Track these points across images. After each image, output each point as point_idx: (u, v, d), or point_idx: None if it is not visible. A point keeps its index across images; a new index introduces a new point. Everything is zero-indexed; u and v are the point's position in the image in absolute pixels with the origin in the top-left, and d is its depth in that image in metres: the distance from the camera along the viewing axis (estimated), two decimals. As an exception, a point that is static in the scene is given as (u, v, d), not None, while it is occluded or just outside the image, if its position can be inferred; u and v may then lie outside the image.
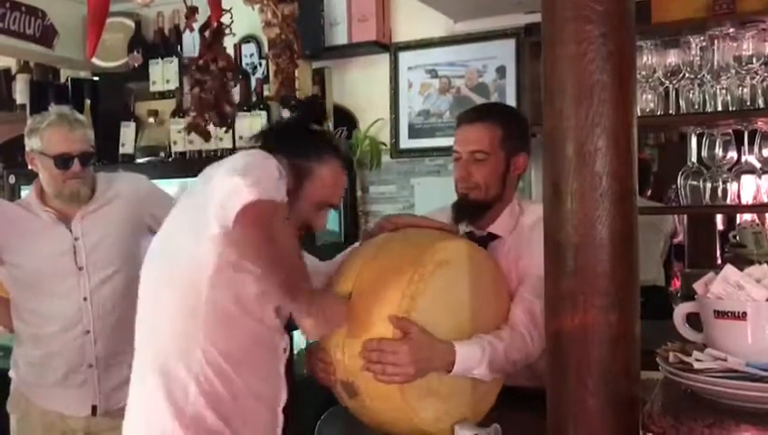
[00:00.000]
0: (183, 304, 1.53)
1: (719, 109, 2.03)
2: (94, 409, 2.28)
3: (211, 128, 2.77)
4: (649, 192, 3.87)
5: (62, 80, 3.83)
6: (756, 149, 2.09)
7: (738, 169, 2.10)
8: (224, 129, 2.88)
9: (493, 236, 1.90)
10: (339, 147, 1.74)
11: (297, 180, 1.61)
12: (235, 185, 1.40)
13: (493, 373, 1.62)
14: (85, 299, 2.24)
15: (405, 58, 3.28)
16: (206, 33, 2.70)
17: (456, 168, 1.93)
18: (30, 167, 2.32)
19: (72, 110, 2.43)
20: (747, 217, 3.53)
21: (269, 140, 1.68)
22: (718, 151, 2.08)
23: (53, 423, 2.28)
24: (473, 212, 1.90)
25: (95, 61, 3.63)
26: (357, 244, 1.91)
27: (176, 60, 3.45)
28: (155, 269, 1.63)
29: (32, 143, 2.28)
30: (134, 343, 1.63)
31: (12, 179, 3.56)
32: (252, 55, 3.49)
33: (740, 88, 2.01)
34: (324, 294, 1.58)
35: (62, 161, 2.22)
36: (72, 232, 2.26)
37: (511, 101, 3.06)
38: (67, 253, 2.25)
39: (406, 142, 3.28)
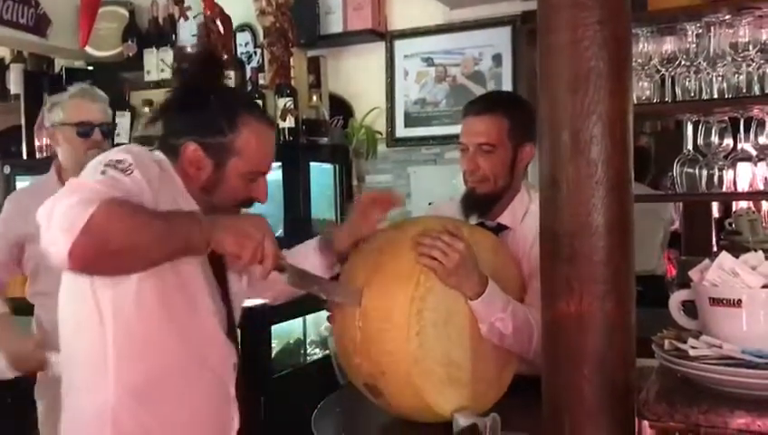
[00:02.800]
0: (86, 326, 1.41)
1: (715, 96, 2.02)
2: None
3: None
4: (648, 180, 3.88)
5: (57, 69, 3.81)
6: (752, 136, 2.08)
7: (734, 157, 2.10)
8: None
9: (503, 227, 1.91)
10: (249, 100, 1.59)
11: (217, 163, 1.47)
12: (47, 237, 1.23)
13: (514, 331, 1.62)
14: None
15: (401, 46, 3.27)
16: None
17: (462, 159, 1.92)
18: (48, 143, 2.39)
19: (92, 86, 2.51)
20: (743, 204, 3.54)
21: (171, 126, 1.52)
22: (714, 139, 2.07)
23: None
24: (482, 205, 1.90)
25: (89, 50, 3.61)
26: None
27: (170, 49, 3.44)
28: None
29: (53, 117, 2.33)
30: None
31: (7, 169, 3.55)
32: (247, 44, 3.48)
33: (736, 75, 2.00)
34: (216, 218, 1.38)
35: (84, 130, 2.28)
36: None
37: (507, 88, 3.06)
38: None
39: (402, 131, 3.28)
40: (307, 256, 1.75)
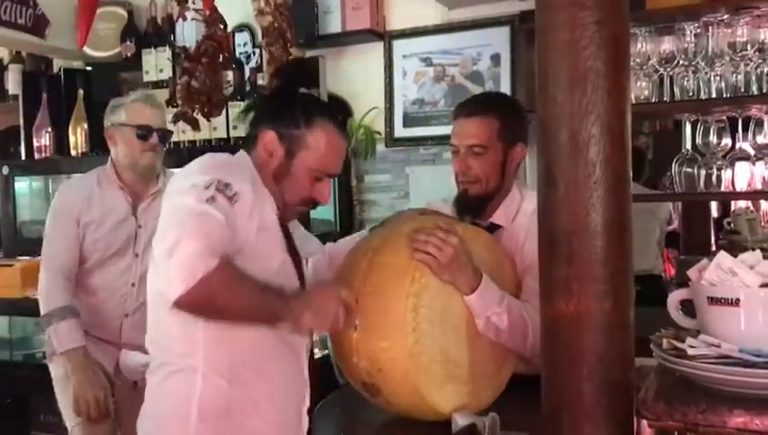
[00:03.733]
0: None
1: (713, 96, 2.02)
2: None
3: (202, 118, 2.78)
4: (643, 180, 3.88)
5: (55, 70, 3.81)
6: (750, 135, 2.08)
7: (732, 156, 2.10)
8: (214, 118, 2.87)
9: (495, 226, 1.92)
10: (331, 109, 1.69)
11: (288, 151, 1.59)
12: (166, 268, 1.39)
13: (510, 326, 1.64)
14: (133, 285, 2.37)
15: (399, 46, 3.27)
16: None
17: (454, 161, 1.93)
18: (108, 142, 2.45)
19: (153, 93, 2.70)
20: (742, 203, 3.54)
21: (255, 113, 1.66)
22: (713, 138, 2.07)
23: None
24: (474, 206, 1.91)
25: (88, 51, 3.61)
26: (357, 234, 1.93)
27: (169, 49, 3.44)
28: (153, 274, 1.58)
29: (114, 118, 2.43)
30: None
31: (5, 170, 3.55)
32: (245, 44, 3.48)
33: (734, 75, 2.00)
34: (300, 296, 1.53)
35: (143, 133, 2.38)
36: (138, 219, 2.41)
37: (506, 88, 3.05)
38: (131, 237, 2.39)
39: (400, 131, 3.28)
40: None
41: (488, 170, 1.88)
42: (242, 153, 1.65)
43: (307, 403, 1.68)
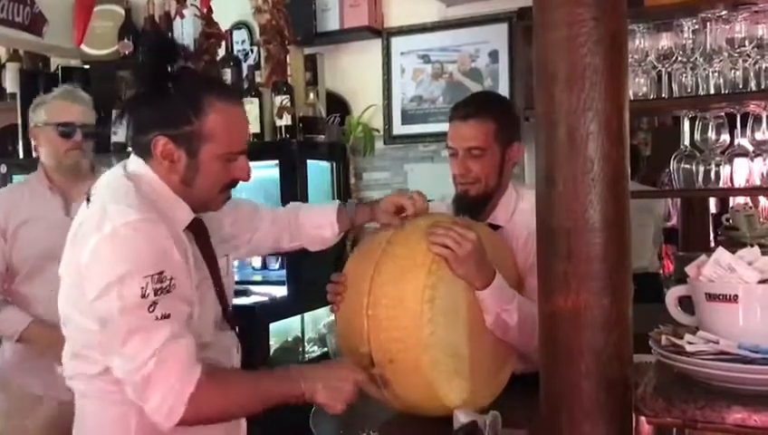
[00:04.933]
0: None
1: (712, 92, 2.03)
2: None
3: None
4: (639, 177, 3.88)
5: (53, 68, 3.80)
6: (749, 132, 2.09)
7: (731, 153, 2.10)
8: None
9: (494, 226, 1.93)
10: (212, 82, 1.53)
11: (189, 152, 1.44)
12: (137, 391, 1.36)
13: (519, 323, 1.64)
14: None
15: (397, 43, 3.26)
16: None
17: (452, 163, 1.95)
18: (33, 143, 2.40)
19: (76, 87, 2.55)
20: (740, 199, 3.54)
21: (135, 118, 1.49)
22: (711, 135, 2.08)
23: (34, 406, 2.29)
24: (474, 206, 1.92)
25: (85, 49, 3.61)
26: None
27: (166, 47, 3.43)
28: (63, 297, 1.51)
29: (36, 117, 2.35)
30: None
31: (3, 169, 3.54)
32: (243, 42, 3.47)
33: (732, 71, 2.01)
34: (312, 374, 1.51)
35: (65, 130, 2.29)
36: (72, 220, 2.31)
37: (504, 85, 3.05)
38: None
39: (399, 128, 3.27)
40: (324, 212, 1.82)
41: (487, 171, 1.90)
42: (132, 167, 1.50)
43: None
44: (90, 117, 2.39)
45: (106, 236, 1.36)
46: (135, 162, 1.50)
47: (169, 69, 1.45)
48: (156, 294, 1.34)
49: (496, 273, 1.64)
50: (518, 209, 1.93)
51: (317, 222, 1.81)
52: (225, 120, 1.44)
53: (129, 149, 1.62)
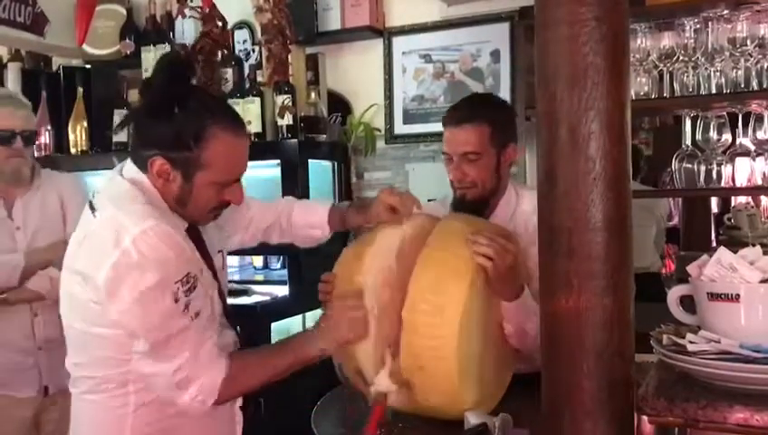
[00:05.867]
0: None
1: (713, 91, 2.02)
2: (46, 389, 2.33)
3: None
4: (640, 177, 3.88)
5: (54, 68, 3.80)
6: (750, 131, 2.08)
7: (733, 152, 2.10)
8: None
9: None
10: (219, 108, 1.49)
11: (185, 175, 1.45)
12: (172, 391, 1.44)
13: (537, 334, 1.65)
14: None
15: (399, 43, 3.26)
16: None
17: (448, 168, 1.95)
18: None
19: (16, 92, 2.53)
20: (742, 199, 3.54)
21: (137, 133, 1.52)
22: (713, 134, 2.07)
23: (4, 408, 2.31)
24: (473, 210, 1.91)
25: (87, 48, 3.61)
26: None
27: (168, 47, 3.43)
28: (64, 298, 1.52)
29: None
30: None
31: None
32: (245, 41, 3.47)
33: (734, 70, 2.00)
34: (322, 326, 1.57)
35: (5, 138, 2.26)
36: (14, 221, 2.32)
37: (505, 85, 3.05)
38: (11, 241, 2.30)
39: (400, 128, 3.27)
40: (316, 211, 1.82)
41: (484, 175, 1.90)
42: (131, 174, 1.49)
43: (239, 400, 1.64)
44: (30, 122, 2.36)
45: (127, 249, 1.36)
46: (133, 170, 1.50)
47: (178, 91, 1.45)
48: (186, 295, 1.39)
49: (525, 286, 1.64)
50: (518, 211, 1.93)
51: (309, 221, 1.82)
52: (225, 151, 1.45)
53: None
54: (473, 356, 1.56)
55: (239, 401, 1.64)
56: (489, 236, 1.56)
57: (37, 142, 3.47)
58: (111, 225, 1.40)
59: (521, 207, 1.94)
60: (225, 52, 3.12)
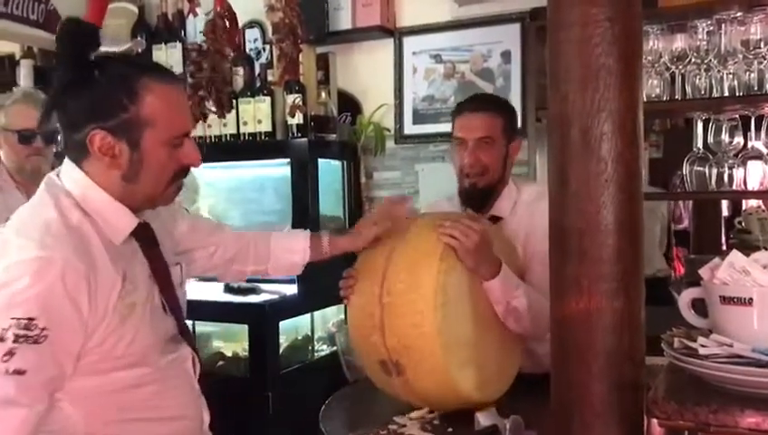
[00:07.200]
0: None
1: (726, 94, 2.01)
2: None
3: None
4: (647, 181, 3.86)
5: (66, 65, 3.82)
6: (763, 134, 2.07)
7: (744, 155, 2.09)
8: (223, 113, 2.87)
9: (495, 219, 2.00)
10: (144, 64, 1.38)
11: (131, 142, 1.29)
12: None
13: (530, 310, 1.71)
14: None
15: (409, 43, 3.26)
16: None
17: (459, 154, 2.00)
18: None
19: (37, 90, 2.49)
20: (753, 202, 3.52)
21: (64, 115, 1.34)
22: (725, 137, 2.06)
23: None
24: (481, 199, 2.01)
25: (102, 49, 3.62)
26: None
27: (179, 45, 3.44)
28: None
29: None
30: None
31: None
32: (255, 40, 3.48)
33: (747, 73, 1.99)
34: None
35: (25, 137, 2.29)
36: None
37: (516, 85, 3.05)
38: None
39: (410, 128, 3.27)
40: (297, 236, 1.75)
41: (495, 162, 1.99)
42: (64, 179, 1.35)
43: (206, 422, 1.49)
44: (51, 120, 2.38)
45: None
46: (67, 171, 1.36)
47: (92, 57, 1.33)
48: (15, 341, 1.16)
49: (502, 263, 1.71)
50: (520, 201, 2.02)
51: (289, 246, 1.73)
52: (163, 101, 1.30)
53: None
54: (455, 333, 1.60)
55: (206, 421, 1.49)
56: (454, 219, 1.66)
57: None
58: (5, 241, 1.25)
59: (521, 196, 2.02)
60: (234, 50, 3.11)
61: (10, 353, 1.15)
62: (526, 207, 1.98)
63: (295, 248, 1.73)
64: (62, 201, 1.31)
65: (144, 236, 1.40)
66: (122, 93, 1.28)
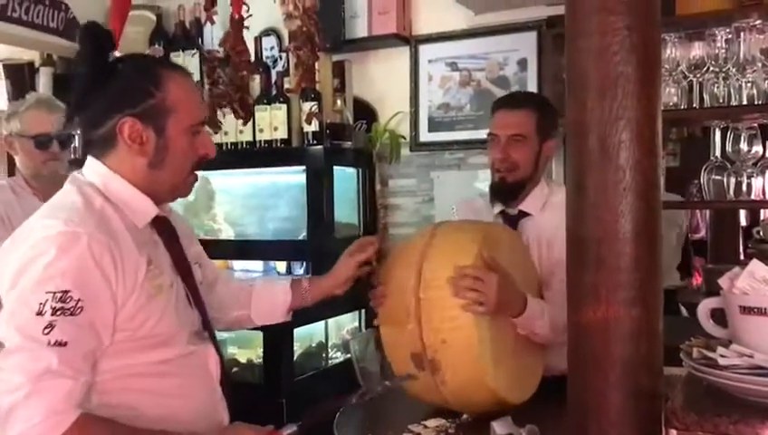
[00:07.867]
0: None
1: (744, 102, 2.00)
2: None
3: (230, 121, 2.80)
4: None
5: (85, 73, 3.86)
6: (782, 143, 2.06)
7: (763, 164, 2.07)
8: (241, 121, 2.88)
9: (523, 214, 2.07)
10: (161, 59, 1.54)
11: (157, 128, 1.38)
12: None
13: (551, 330, 1.74)
14: None
15: (425, 51, 3.26)
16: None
17: (493, 149, 2.07)
18: (7, 151, 2.38)
19: (50, 95, 2.54)
20: (771, 212, 3.49)
21: (93, 115, 1.41)
22: (743, 146, 2.05)
23: None
24: (510, 193, 2.07)
25: (116, 54, 3.65)
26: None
27: (197, 53, 3.46)
28: None
29: (11, 126, 2.35)
30: None
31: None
32: (272, 48, 3.50)
33: (766, 81, 1.98)
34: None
35: (42, 142, 2.30)
36: None
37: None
38: None
39: (426, 136, 3.27)
40: (276, 294, 1.81)
41: (526, 158, 2.04)
42: (86, 173, 1.42)
43: (226, 420, 1.53)
44: (73, 123, 2.41)
45: (24, 249, 1.27)
46: (90, 165, 1.43)
47: (109, 54, 1.43)
48: (53, 314, 1.21)
49: (527, 298, 1.73)
50: (550, 202, 2.05)
51: (271, 301, 1.81)
52: (183, 90, 1.41)
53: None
54: (491, 331, 1.65)
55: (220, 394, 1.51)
56: (468, 275, 1.62)
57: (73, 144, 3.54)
58: (26, 230, 1.32)
59: (552, 198, 2.05)
60: (250, 58, 3.13)
61: (50, 326, 1.21)
62: (557, 208, 1.93)
63: (276, 304, 1.81)
64: (85, 189, 1.39)
65: (165, 230, 1.47)
66: (148, 81, 1.38)
